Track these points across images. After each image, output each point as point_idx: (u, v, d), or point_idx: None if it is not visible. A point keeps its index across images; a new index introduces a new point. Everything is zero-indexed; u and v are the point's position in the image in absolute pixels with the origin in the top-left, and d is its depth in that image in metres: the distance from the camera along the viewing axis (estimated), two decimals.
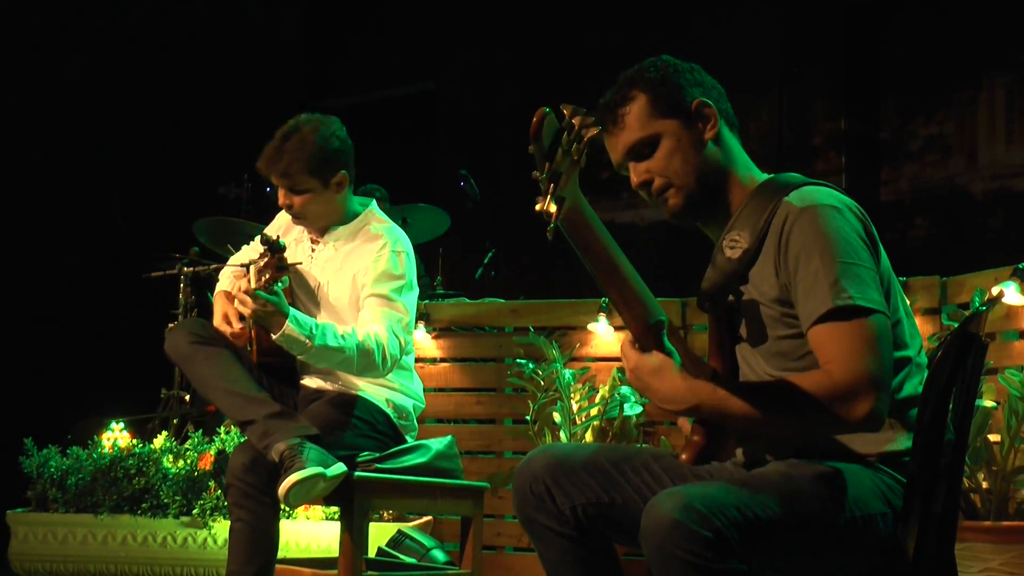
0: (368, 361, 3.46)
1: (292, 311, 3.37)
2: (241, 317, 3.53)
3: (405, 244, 3.67)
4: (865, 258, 2.14)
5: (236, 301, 3.39)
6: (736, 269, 2.26)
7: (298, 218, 3.70)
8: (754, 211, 2.25)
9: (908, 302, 2.31)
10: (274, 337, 3.36)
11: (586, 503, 2.29)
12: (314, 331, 3.39)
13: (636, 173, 2.33)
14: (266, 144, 3.61)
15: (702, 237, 2.46)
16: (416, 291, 3.69)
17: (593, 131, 1.92)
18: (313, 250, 3.73)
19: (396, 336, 3.52)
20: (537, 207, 1.93)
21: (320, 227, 3.72)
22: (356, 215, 3.73)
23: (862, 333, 2.07)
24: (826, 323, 2.10)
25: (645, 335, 2.15)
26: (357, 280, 3.61)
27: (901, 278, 4.47)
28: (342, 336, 3.43)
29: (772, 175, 2.36)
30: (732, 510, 1.98)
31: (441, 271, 6.82)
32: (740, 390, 2.12)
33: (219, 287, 3.81)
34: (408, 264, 3.64)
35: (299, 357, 3.47)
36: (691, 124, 2.31)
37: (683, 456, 2.30)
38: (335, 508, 4.33)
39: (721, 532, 1.95)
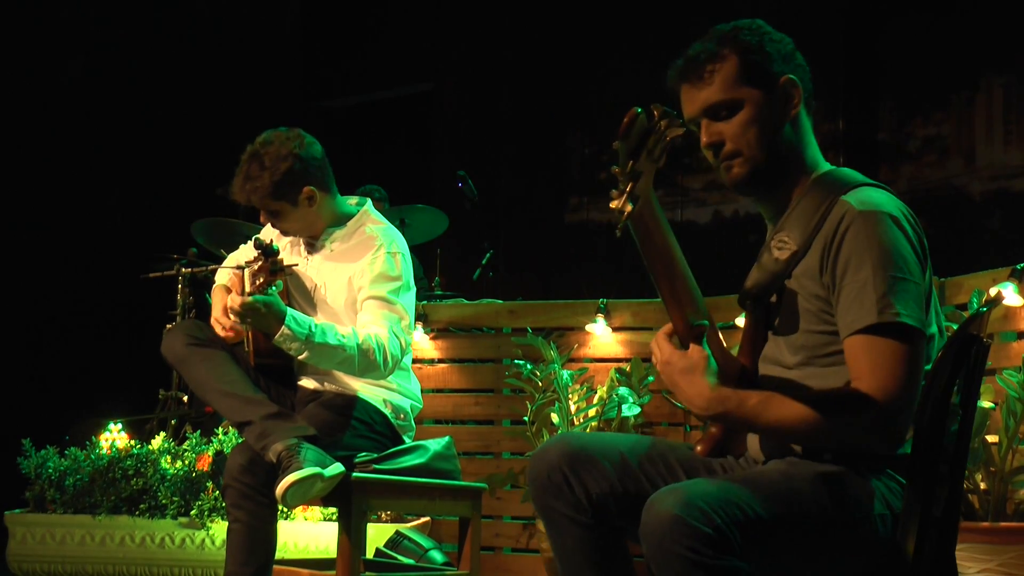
0: (369, 361, 3.45)
1: (289, 311, 3.37)
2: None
3: (400, 245, 3.67)
4: (916, 273, 2.12)
5: (230, 310, 3.39)
6: (782, 271, 2.24)
7: (282, 233, 3.74)
8: (807, 209, 2.24)
9: (943, 316, 2.29)
10: (274, 339, 3.37)
11: (600, 492, 2.28)
12: (313, 329, 3.39)
13: (708, 133, 2.29)
14: (267, 138, 3.64)
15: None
16: (413, 291, 3.69)
17: (677, 132, 1.94)
18: (309, 252, 3.74)
19: (397, 337, 3.52)
20: (612, 204, 1.94)
21: (310, 234, 3.73)
22: (350, 216, 3.73)
23: (901, 354, 2.06)
24: (867, 335, 2.08)
25: (686, 332, 2.14)
26: (353, 282, 3.61)
27: None
28: (342, 335, 3.42)
29: (832, 168, 2.33)
30: (733, 508, 1.98)
31: (439, 272, 6.82)
32: (766, 402, 2.10)
33: (217, 283, 3.81)
34: (404, 265, 3.64)
35: (299, 357, 3.46)
36: (775, 98, 2.27)
37: (699, 448, 2.30)
38: (333, 509, 4.33)
39: (721, 529, 1.94)
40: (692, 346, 2.13)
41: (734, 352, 2.32)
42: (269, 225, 3.87)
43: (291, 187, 3.59)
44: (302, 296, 3.69)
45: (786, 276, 2.24)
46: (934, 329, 2.22)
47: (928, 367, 2.19)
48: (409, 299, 3.64)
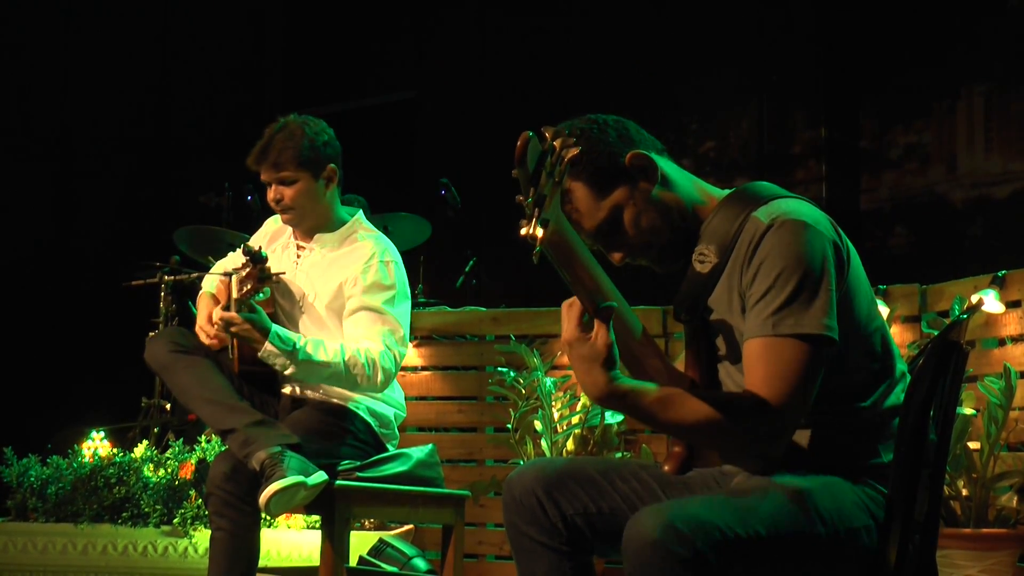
0: (359, 375, 3.46)
1: (274, 327, 3.37)
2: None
3: (393, 254, 3.67)
4: (828, 279, 2.11)
5: (214, 322, 3.40)
6: (708, 283, 2.25)
7: (288, 212, 3.66)
8: (722, 223, 2.23)
9: (884, 312, 2.31)
10: (259, 355, 3.38)
11: (574, 513, 2.27)
12: (298, 346, 3.39)
13: (613, 251, 2.31)
14: (255, 143, 3.62)
15: None
16: (409, 301, 3.68)
17: (573, 151, 1.91)
18: (299, 256, 3.72)
19: (390, 349, 3.52)
20: (523, 232, 1.90)
21: (308, 227, 3.70)
22: (343, 223, 3.72)
23: (795, 364, 2.07)
24: (764, 340, 2.10)
25: (594, 313, 2.09)
26: (344, 289, 3.60)
27: (881, 286, 4.50)
28: (330, 352, 3.43)
29: (745, 185, 2.32)
30: (714, 530, 1.98)
31: (422, 279, 6.82)
32: (664, 401, 2.09)
33: (203, 291, 3.79)
34: (398, 273, 3.64)
35: (286, 372, 3.46)
36: (635, 181, 2.26)
37: (666, 467, 2.30)
38: (316, 517, 4.32)
39: (700, 553, 1.94)
40: (598, 330, 2.07)
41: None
42: (258, 233, 3.87)
43: (319, 158, 3.60)
44: (289, 303, 3.68)
45: (712, 287, 2.24)
46: (875, 325, 2.23)
47: (878, 365, 2.21)
48: (404, 309, 3.63)
